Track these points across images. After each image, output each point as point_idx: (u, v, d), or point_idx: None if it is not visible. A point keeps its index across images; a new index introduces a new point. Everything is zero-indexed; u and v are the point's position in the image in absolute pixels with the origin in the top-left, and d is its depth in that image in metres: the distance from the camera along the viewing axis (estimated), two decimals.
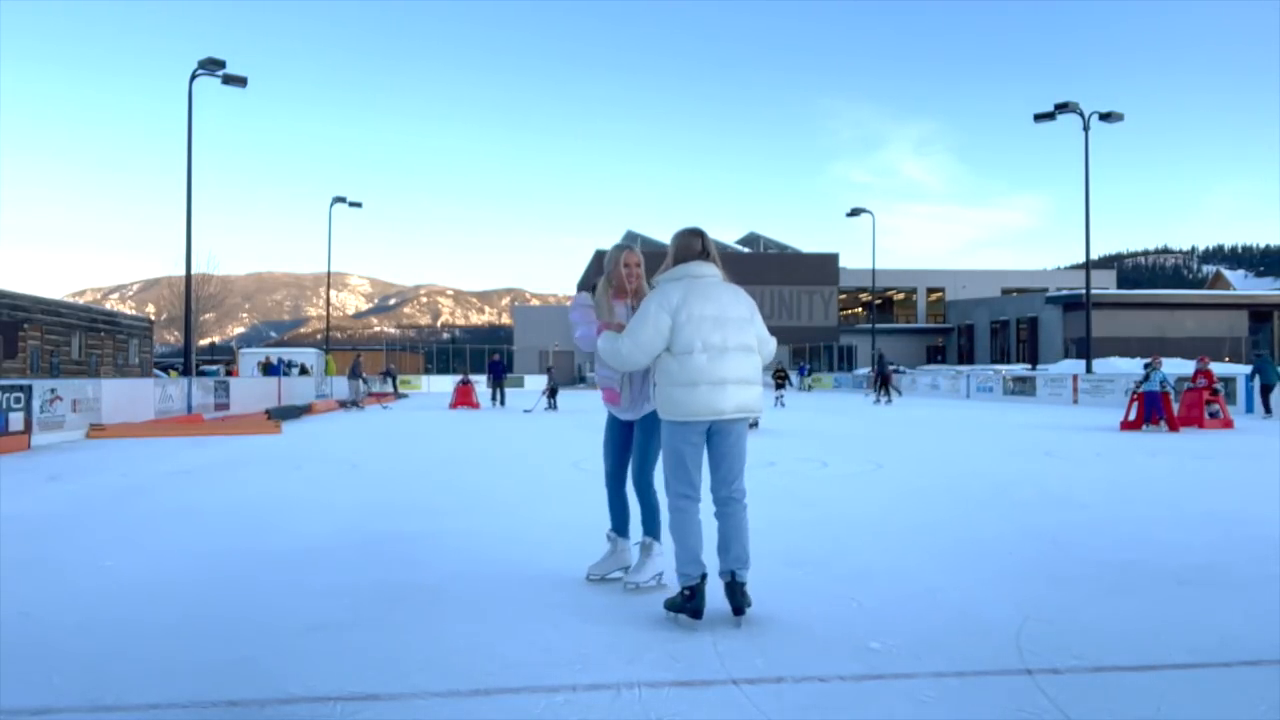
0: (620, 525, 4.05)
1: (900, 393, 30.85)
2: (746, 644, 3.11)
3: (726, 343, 3.38)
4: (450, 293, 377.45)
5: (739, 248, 57.23)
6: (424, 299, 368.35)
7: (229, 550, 4.78)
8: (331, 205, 35.10)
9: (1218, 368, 19.04)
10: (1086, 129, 25.65)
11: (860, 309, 63.21)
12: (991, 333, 53.10)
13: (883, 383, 27.50)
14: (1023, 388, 28.02)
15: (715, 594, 3.41)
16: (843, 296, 57.30)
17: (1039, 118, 26.33)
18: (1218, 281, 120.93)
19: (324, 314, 48.15)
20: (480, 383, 28.74)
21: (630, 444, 3.92)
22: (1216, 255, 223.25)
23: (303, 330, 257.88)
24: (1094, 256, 31.38)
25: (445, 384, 40.06)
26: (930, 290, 60.29)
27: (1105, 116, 25.72)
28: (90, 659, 2.98)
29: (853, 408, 23.39)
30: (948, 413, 20.41)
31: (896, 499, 6.71)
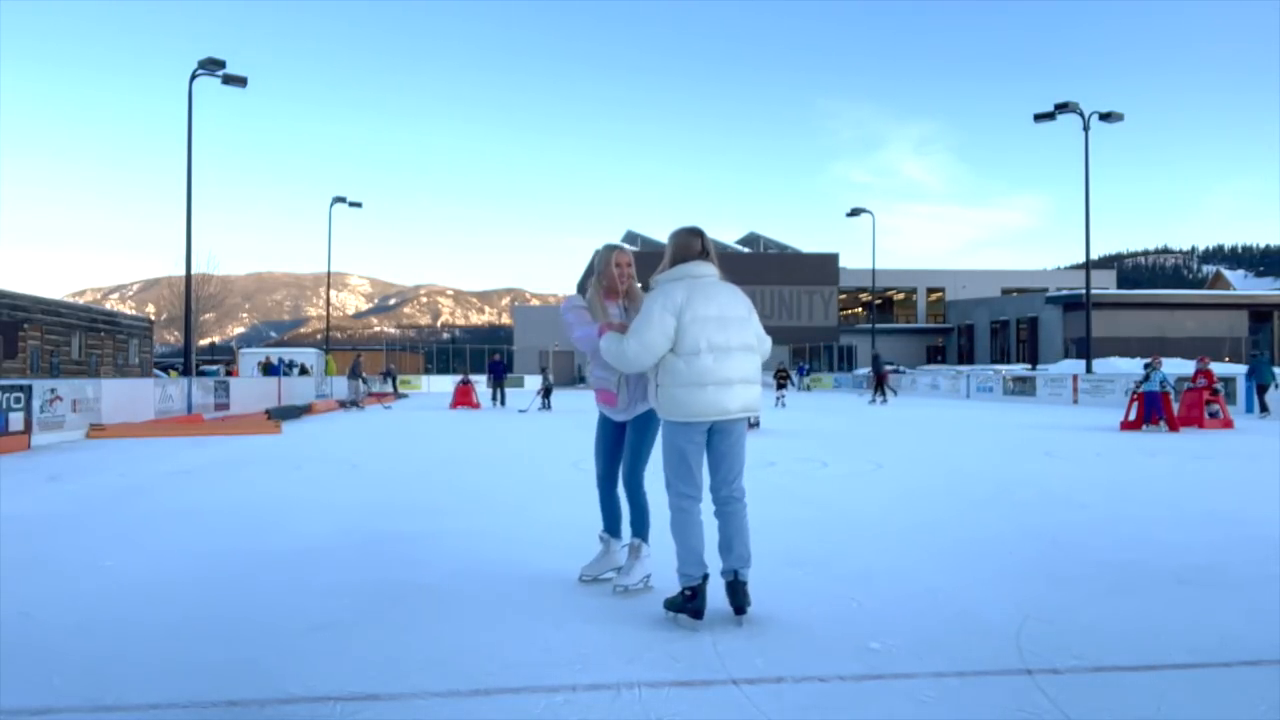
0: (613, 526, 4.05)
1: (895, 393, 30.86)
2: (746, 644, 3.11)
3: (730, 343, 3.39)
4: (450, 293, 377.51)
5: (739, 248, 57.22)
6: (424, 299, 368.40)
7: (229, 550, 4.78)
8: (331, 205, 35.11)
9: (1218, 368, 19.05)
10: (1086, 129, 25.66)
11: (860, 309, 63.20)
12: (991, 333, 53.10)
13: (878, 383, 27.54)
14: (1023, 388, 28.02)
15: (714, 594, 3.41)
16: (843, 296, 57.29)
17: (1039, 118, 26.34)
18: (1218, 281, 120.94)
19: (324, 314, 48.16)
20: (480, 383, 28.75)
21: (622, 445, 3.92)
22: (1216, 255, 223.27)
23: (303, 330, 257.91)
24: (1094, 256, 31.39)
25: (445, 384, 40.05)
26: (930, 290, 60.29)
27: (1105, 116, 25.73)
28: (90, 659, 2.98)
29: (851, 408, 23.39)
30: (948, 413, 20.41)
31: (896, 499, 6.71)
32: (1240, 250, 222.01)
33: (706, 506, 3.46)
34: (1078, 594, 3.80)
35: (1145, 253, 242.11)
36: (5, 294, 33.51)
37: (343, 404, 24.21)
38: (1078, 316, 40.83)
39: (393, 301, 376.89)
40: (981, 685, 2.74)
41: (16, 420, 11.16)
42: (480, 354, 51.29)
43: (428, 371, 50.68)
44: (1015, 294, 56.21)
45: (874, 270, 43.71)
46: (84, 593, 3.88)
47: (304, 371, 38.27)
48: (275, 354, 44.73)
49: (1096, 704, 2.59)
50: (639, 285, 3.98)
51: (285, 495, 7.02)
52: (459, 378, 26.64)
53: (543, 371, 23.82)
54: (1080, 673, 2.84)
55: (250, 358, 46.29)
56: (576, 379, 46.22)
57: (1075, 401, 24.62)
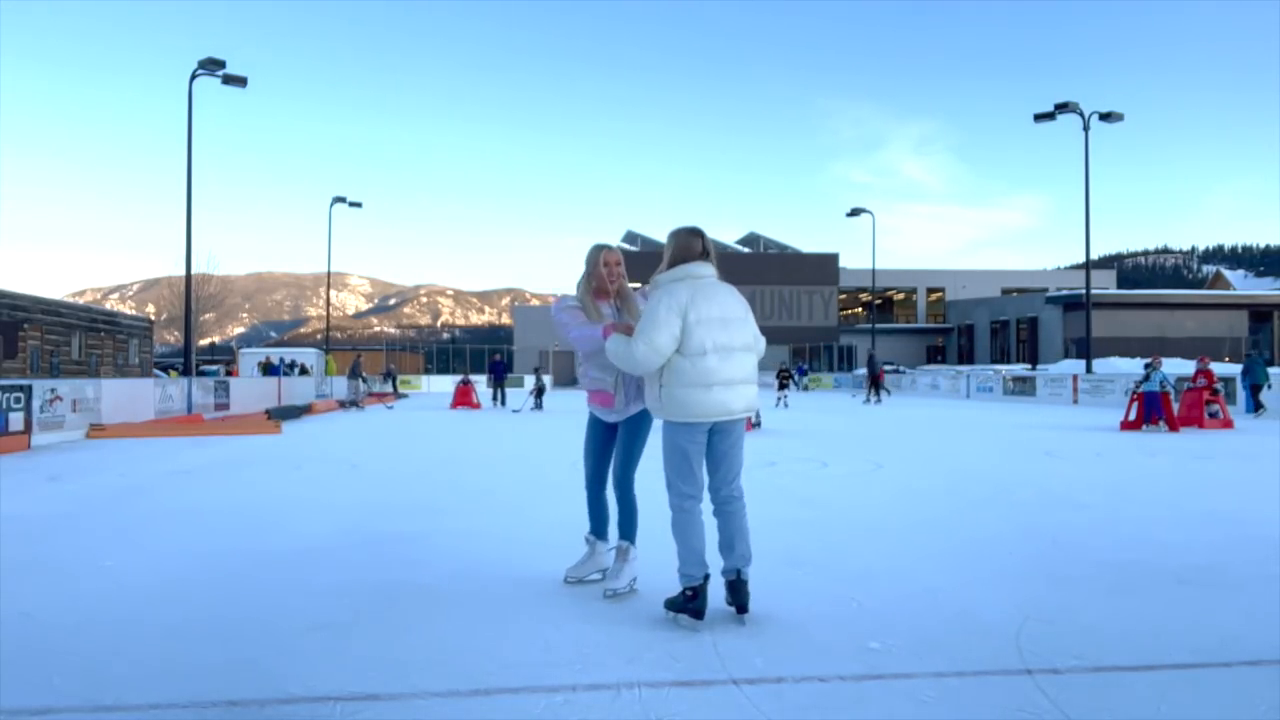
0: (599, 528, 4.03)
1: (889, 392, 30.88)
2: (746, 644, 3.11)
3: (732, 343, 3.40)
4: (450, 293, 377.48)
5: (739, 248, 57.24)
6: (424, 299, 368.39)
7: (229, 550, 4.78)
8: (331, 205, 35.12)
9: (1218, 368, 19.03)
10: (1086, 129, 25.66)
11: (860, 309, 63.23)
12: (991, 333, 53.12)
13: (874, 383, 27.61)
14: (1023, 388, 28.02)
15: (713, 594, 3.41)
16: (843, 296, 57.31)
17: (1039, 118, 26.35)
18: (1218, 281, 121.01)
19: (324, 314, 48.16)
20: (480, 383, 28.76)
21: (612, 447, 3.90)
22: (1216, 255, 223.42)
23: (303, 330, 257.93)
24: (1094, 256, 31.39)
25: (445, 384, 40.07)
26: (930, 290, 60.31)
27: (1105, 116, 25.74)
28: (90, 659, 2.98)
29: (851, 408, 23.40)
30: (948, 413, 20.41)
31: (896, 499, 6.71)
32: (1240, 250, 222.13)
33: (705, 506, 3.47)
34: (1078, 594, 3.80)
35: (1145, 253, 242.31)
36: (5, 294, 33.52)
37: (343, 404, 24.22)
38: (1078, 316, 40.86)
39: (393, 301, 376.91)
40: (981, 685, 2.74)
41: (16, 420, 11.16)
42: (480, 354, 51.28)
43: (428, 371, 50.66)
44: (1015, 294, 56.24)
45: (874, 270, 43.72)
46: (84, 593, 3.88)
47: (304, 371, 38.26)
48: (275, 354, 44.71)
49: (1096, 704, 2.59)
50: (629, 284, 3.96)
51: (285, 495, 7.02)
52: (459, 378, 26.64)
53: (535, 372, 23.91)
54: (1080, 673, 2.84)
55: (250, 358, 46.25)
56: (576, 379, 46.16)
57: (1075, 401, 24.62)
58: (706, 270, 3.49)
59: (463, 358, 53.17)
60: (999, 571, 4.23)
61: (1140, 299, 47.36)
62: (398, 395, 32.60)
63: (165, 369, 41.88)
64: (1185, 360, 25.69)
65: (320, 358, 41.07)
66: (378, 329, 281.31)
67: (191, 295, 21.95)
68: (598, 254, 3.83)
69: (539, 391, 22.34)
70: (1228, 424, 14.79)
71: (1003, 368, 38.32)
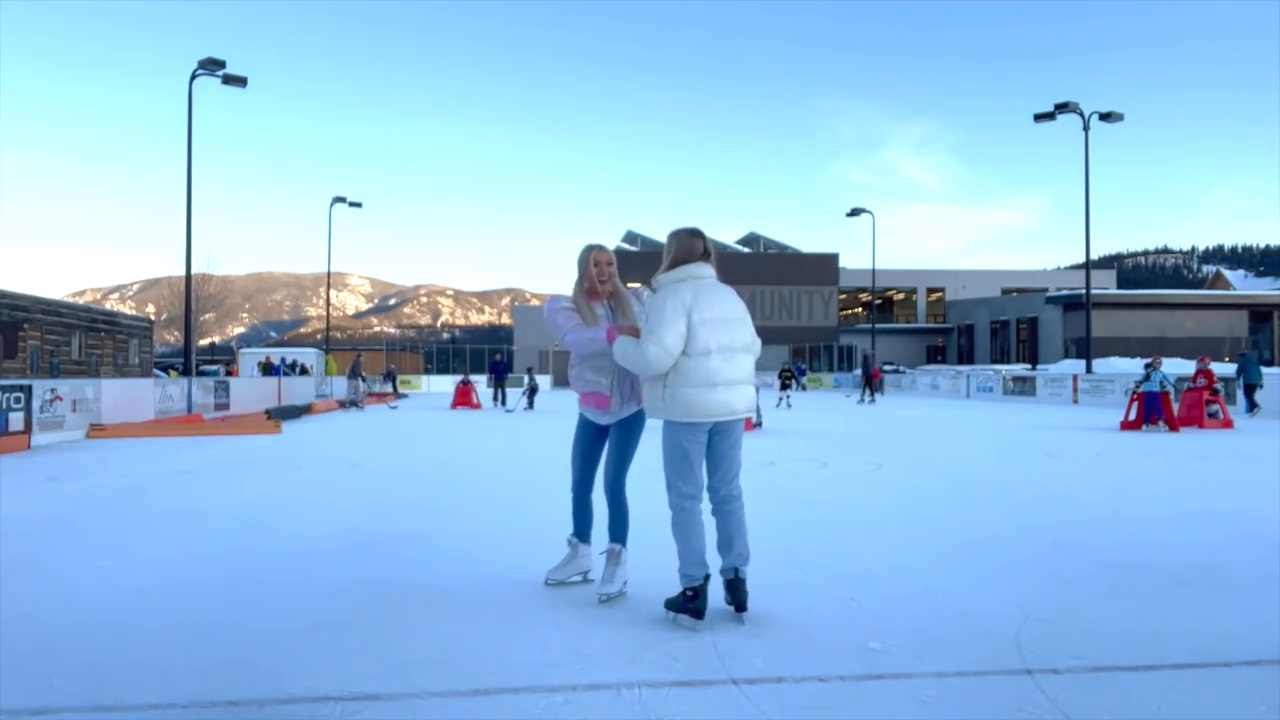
0: (583, 531, 4.01)
1: (883, 392, 30.95)
2: (746, 644, 3.11)
3: (734, 343, 3.41)
4: (450, 293, 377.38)
5: (739, 248, 57.22)
6: (424, 299, 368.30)
7: (229, 550, 4.78)
8: (331, 205, 35.11)
9: (1218, 368, 19.04)
10: (1086, 129, 25.67)
11: (860, 309, 63.22)
12: (991, 333, 53.13)
13: (868, 382, 27.74)
14: (1023, 388, 28.02)
15: (713, 594, 3.41)
16: (843, 296, 57.29)
17: (1039, 118, 26.36)
18: (1218, 281, 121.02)
19: (324, 314, 48.16)
20: (480, 383, 28.75)
21: (602, 449, 3.88)
22: (1216, 255, 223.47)
23: (303, 330, 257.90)
24: (1094, 256, 31.39)
25: (445, 384, 40.04)
26: (930, 290, 60.32)
27: (1105, 116, 25.74)
28: (90, 659, 2.98)
29: (851, 408, 23.41)
30: (948, 413, 20.42)
31: (896, 499, 6.71)
32: (1240, 250, 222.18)
33: (705, 506, 3.47)
34: (1078, 594, 3.80)
35: (1145, 253, 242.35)
36: (5, 294, 33.52)
37: (343, 404, 24.22)
38: (1078, 316, 40.86)
39: (393, 301, 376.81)
40: (981, 685, 2.74)
41: (16, 420, 11.16)
42: (480, 354, 51.25)
43: (428, 372, 50.64)
44: (1015, 294, 56.26)
45: (874, 270, 43.73)
46: (84, 593, 3.88)
47: (304, 371, 38.26)
48: (275, 354, 44.71)
49: (1096, 704, 2.59)
50: (622, 285, 3.93)
51: (285, 495, 7.02)
52: (459, 378, 26.66)
53: (528, 372, 24.03)
54: (1080, 673, 2.84)
55: (250, 358, 46.25)
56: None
57: (1075, 401, 24.63)
58: (707, 271, 3.50)
59: (463, 358, 53.14)
60: (999, 571, 4.23)
61: (1140, 299, 47.38)
62: (398, 395, 32.61)
63: (165, 369, 41.86)
64: (1185, 360, 25.71)
65: (320, 358, 41.07)
66: (378, 329, 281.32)
67: (191, 295, 21.95)
68: (589, 254, 3.80)
69: (531, 392, 22.67)
70: (1228, 424, 14.79)
71: (1003, 368, 38.34)
